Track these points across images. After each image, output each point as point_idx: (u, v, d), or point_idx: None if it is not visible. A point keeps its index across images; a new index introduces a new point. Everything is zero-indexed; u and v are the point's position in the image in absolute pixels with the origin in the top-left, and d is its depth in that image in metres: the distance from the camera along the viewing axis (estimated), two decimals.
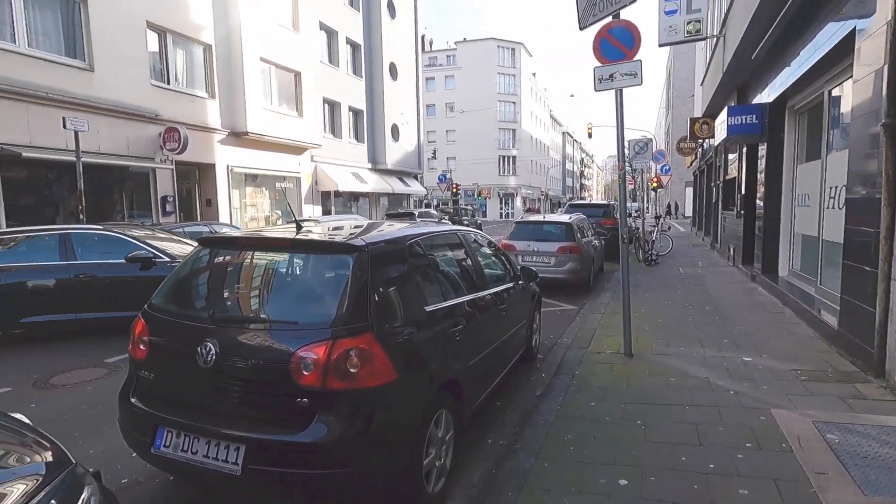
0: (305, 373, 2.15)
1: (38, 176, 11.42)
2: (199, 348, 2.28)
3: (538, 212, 52.12)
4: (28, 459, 1.34)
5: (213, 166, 15.59)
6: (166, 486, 2.89)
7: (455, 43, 57.98)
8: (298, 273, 2.64)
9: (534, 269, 5.31)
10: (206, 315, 2.43)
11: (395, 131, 26.11)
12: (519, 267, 4.93)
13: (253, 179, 17.67)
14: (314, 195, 20.59)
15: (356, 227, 3.44)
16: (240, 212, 16.98)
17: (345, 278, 2.38)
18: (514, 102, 57.36)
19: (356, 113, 23.90)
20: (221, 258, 2.79)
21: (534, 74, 66.23)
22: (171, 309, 2.59)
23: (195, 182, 15.82)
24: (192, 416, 2.30)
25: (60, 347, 5.97)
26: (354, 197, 24.19)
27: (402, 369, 2.38)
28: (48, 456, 1.37)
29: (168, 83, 14.12)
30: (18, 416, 1.71)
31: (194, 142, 13.91)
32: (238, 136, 16.26)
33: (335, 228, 3.34)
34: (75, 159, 9.94)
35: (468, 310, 3.25)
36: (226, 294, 2.70)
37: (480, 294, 3.57)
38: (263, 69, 16.87)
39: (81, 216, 10.24)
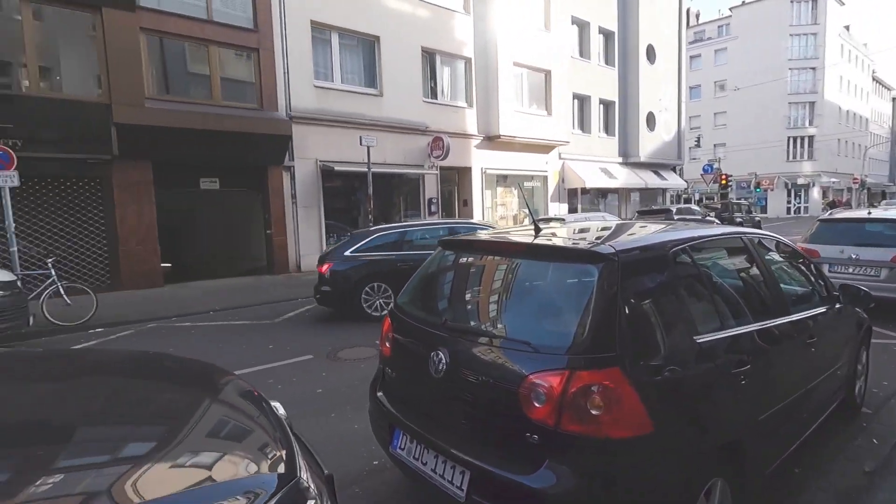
0: (536, 404, 1.82)
1: (346, 185, 14.39)
2: (431, 355, 2.20)
3: (847, 205, 40.07)
4: (259, 468, 1.31)
5: (469, 169, 16.98)
6: (406, 480, 3.01)
7: (730, 9, 49.37)
8: (534, 283, 2.32)
9: (857, 285, 3.77)
10: (438, 321, 2.34)
11: (650, 120, 23.75)
12: (832, 283, 3.55)
13: (503, 180, 18.54)
14: (560, 193, 20.40)
15: (603, 228, 2.94)
16: (491, 211, 18.05)
17: (587, 294, 1.94)
18: (812, 68, 45.41)
19: (607, 105, 22.66)
20: (458, 261, 2.71)
21: (846, 28, 51.21)
22: (410, 310, 2.62)
23: (454, 185, 17.53)
24: (425, 425, 2.24)
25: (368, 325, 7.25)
26: (602, 193, 23.04)
27: (662, 420, 1.81)
28: (281, 467, 1.34)
29: (436, 98, 15.97)
30: (276, 404, 1.84)
31: (454, 148, 15.37)
32: (491, 140, 17.29)
33: (580, 231, 2.92)
34: (367, 170, 12.09)
35: (758, 343, 2.39)
36: (458, 301, 2.60)
37: (776, 321, 2.62)
38: (516, 73, 17.47)
39: (370, 216, 12.42)
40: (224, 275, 12.96)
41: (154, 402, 1.63)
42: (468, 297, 2.56)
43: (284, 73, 12.49)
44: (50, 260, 8.00)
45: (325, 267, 7.93)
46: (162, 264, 20.27)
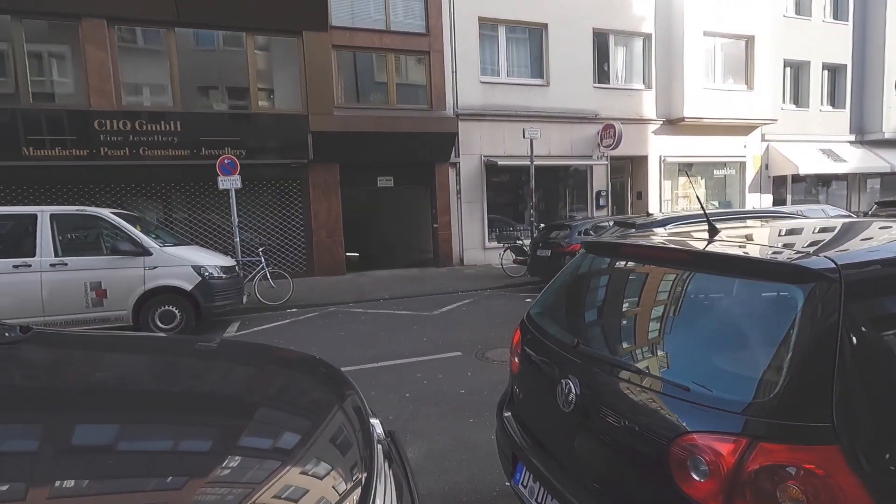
0: (695, 477, 1.32)
1: (510, 179, 14.27)
2: (560, 383, 1.83)
3: None
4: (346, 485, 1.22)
5: (645, 158, 15.34)
6: None
7: None
8: (705, 307, 1.72)
9: None
10: (570, 343, 1.94)
11: None
12: None
13: (687, 168, 16.31)
14: (762, 182, 17.12)
15: (822, 230, 2.14)
16: (671, 204, 16.07)
17: (785, 327, 1.34)
18: None
19: (834, 70, 18.20)
20: (603, 270, 2.24)
21: None
22: (542, 324, 2.25)
23: (627, 176, 16.04)
24: (550, 465, 1.87)
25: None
26: (823, 181, 18.67)
27: None
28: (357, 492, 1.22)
29: (608, 82, 14.75)
30: (375, 422, 1.69)
31: (628, 135, 14.01)
32: (673, 124, 15.33)
33: (786, 232, 2.18)
34: (529, 163, 11.75)
35: None
36: (598, 320, 2.12)
37: None
38: (707, 45, 15.13)
39: (532, 211, 12.08)
40: (396, 265, 14.02)
41: (308, 397, 1.73)
42: (610, 316, 2.08)
43: (452, 72, 12.86)
44: (261, 248, 9.57)
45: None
46: (349, 254, 22.87)
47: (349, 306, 9.23)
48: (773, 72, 16.33)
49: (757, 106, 15.93)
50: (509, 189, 14.30)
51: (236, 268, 8.11)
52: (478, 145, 13.26)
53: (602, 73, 14.70)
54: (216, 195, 10.84)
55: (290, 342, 6.63)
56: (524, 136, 11.33)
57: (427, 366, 5.31)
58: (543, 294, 2.46)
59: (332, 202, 12.02)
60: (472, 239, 13.42)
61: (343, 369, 6.05)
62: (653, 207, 15.46)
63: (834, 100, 18.37)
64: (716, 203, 16.80)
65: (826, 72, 18.05)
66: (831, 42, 17.83)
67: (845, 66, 18.16)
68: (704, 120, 15.17)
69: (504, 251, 11.43)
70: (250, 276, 9.35)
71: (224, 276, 7.55)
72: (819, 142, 17.72)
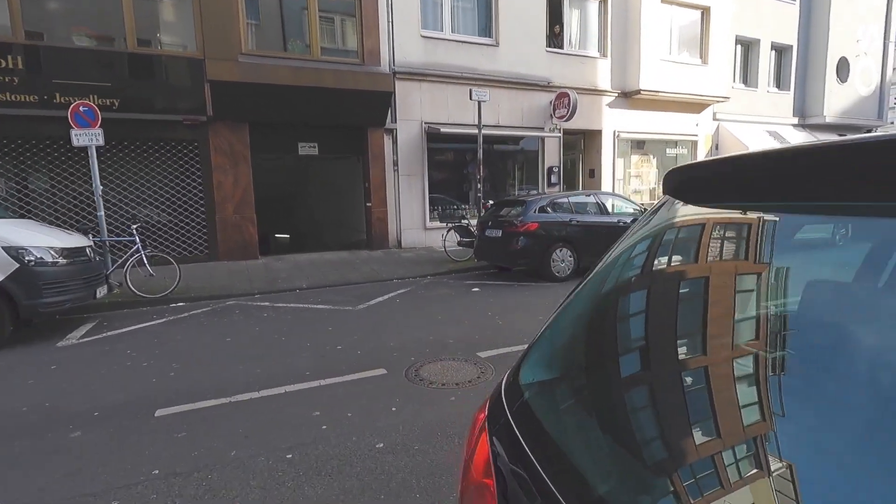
0: None
1: (454, 154, 12.64)
2: None
3: None
4: None
5: (598, 133, 14.25)
6: None
7: None
8: None
9: None
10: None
11: (842, 68, 18.43)
12: None
13: (639, 146, 15.43)
14: None
15: None
16: (623, 183, 15.16)
17: None
18: None
19: (780, 51, 17.95)
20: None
21: None
22: (551, 420, 0.71)
23: (579, 152, 14.93)
24: None
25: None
26: None
27: None
28: None
29: (561, 47, 13.42)
30: None
31: (582, 107, 12.79)
32: (628, 97, 14.31)
33: None
34: (477, 131, 10.20)
35: None
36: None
37: None
38: (663, 13, 14.13)
39: (479, 186, 10.58)
40: (322, 248, 12.13)
41: None
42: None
43: (389, 22, 10.97)
44: (135, 226, 7.42)
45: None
46: (279, 236, 20.54)
47: (254, 298, 7.37)
48: (725, 48, 15.69)
49: (711, 82, 15.24)
50: (453, 164, 12.71)
51: (89, 250, 6.01)
52: (418, 110, 11.54)
53: (555, 38, 13.34)
54: (82, 158, 8.48)
55: (150, 352, 4.75)
56: (471, 99, 9.73)
57: (333, 394, 3.67)
58: (543, 338, 0.91)
59: (239, 170, 9.91)
60: (412, 218, 11.77)
61: (199, 405, 3.87)
62: (605, 186, 14.48)
63: (780, 81, 18.18)
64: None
65: (774, 52, 17.75)
66: (780, 20, 17.51)
67: (791, 46, 17.95)
68: (660, 94, 14.26)
69: (447, 232, 9.89)
70: (120, 261, 7.22)
71: (63, 261, 5.46)
72: (765, 123, 17.48)
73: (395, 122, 11.32)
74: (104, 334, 5.55)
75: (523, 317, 5.84)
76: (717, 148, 16.61)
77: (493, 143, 12.67)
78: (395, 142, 11.41)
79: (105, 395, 3.76)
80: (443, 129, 11.38)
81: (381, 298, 7.06)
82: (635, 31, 13.85)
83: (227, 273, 8.91)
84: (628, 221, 8.40)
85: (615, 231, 8.32)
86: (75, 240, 6.04)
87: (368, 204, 11.46)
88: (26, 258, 5.12)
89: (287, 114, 10.00)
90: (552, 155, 13.50)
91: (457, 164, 12.73)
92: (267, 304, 6.96)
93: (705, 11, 15.01)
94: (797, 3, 17.79)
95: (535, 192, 9.17)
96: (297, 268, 9.49)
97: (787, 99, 18.22)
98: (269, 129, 10.29)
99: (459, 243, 9.96)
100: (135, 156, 9.22)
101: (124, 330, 5.70)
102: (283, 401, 3.58)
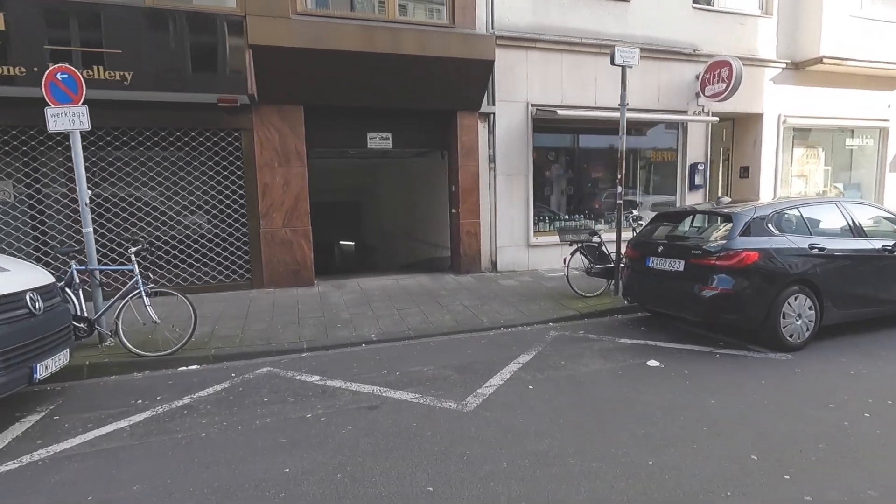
0: None
1: (555, 145, 9.61)
2: None
3: None
4: None
5: (757, 118, 10.63)
6: None
7: None
8: None
9: None
10: None
11: None
12: None
13: (803, 136, 11.58)
14: None
15: None
16: (782, 185, 11.39)
17: None
18: None
19: None
20: None
21: None
22: None
23: (728, 143, 11.35)
24: None
25: None
26: None
27: None
28: None
29: (710, 3, 10.00)
30: None
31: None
32: (799, 69, 10.59)
33: None
34: (620, 111, 7.12)
35: None
36: None
37: None
38: None
39: (620, 189, 7.51)
40: (395, 269, 9.57)
41: None
42: None
43: None
44: (133, 250, 5.08)
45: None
46: (344, 243, 18.43)
47: (300, 361, 4.82)
48: None
49: None
50: (566, 161, 9.63)
51: (31, 297, 3.65)
52: (523, 87, 8.64)
53: None
54: (87, 154, 6.37)
55: None
56: (613, 62, 6.65)
57: None
58: None
59: (292, 169, 7.49)
60: (511, 232, 8.88)
61: None
62: (764, 189, 10.82)
63: None
64: (840, 186, 12.10)
65: None
66: None
67: None
68: (848, 63, 10.41)
69: (572, 254, 6.89)
70: (113, 299, 4.91)
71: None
72: None
73: (494, 103, 8.49)
74: (34, 455, 3.10)
75: (808, 457, 2.77)
76: None
77: (610, 132, 9.53)
78: (492, 130, 8.58)
79: None
80: (560, 112, 8.39)
81: (496, 381, 4.19)
82: None
83: (271, 309, 6.45)
84: (891, 247, 5.05)
85: (881, 265, 4.98)
86: (37, 277, 3.73)
87: (454, 210, 8.71)
88: None
89: (354, 93, 7.46)
90: (697, 147, 10.09)
91: (572, 160, 9.68)
92: (317, 378, 4.33)
93: None
94: None
95: (724, 198, 5.98)
96: (364, 300, 6.89)
97: None
98: (331, 115, 7.82)
99: (589, 271, 6.93)
100: (153, 149, 7.02)
101: (70, 444, 3.25)
102: None
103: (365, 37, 7.00)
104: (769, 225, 4.82)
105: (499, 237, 8.81)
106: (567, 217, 9.48)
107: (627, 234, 7.17)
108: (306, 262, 7.67)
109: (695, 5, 9.73)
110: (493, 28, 8.26)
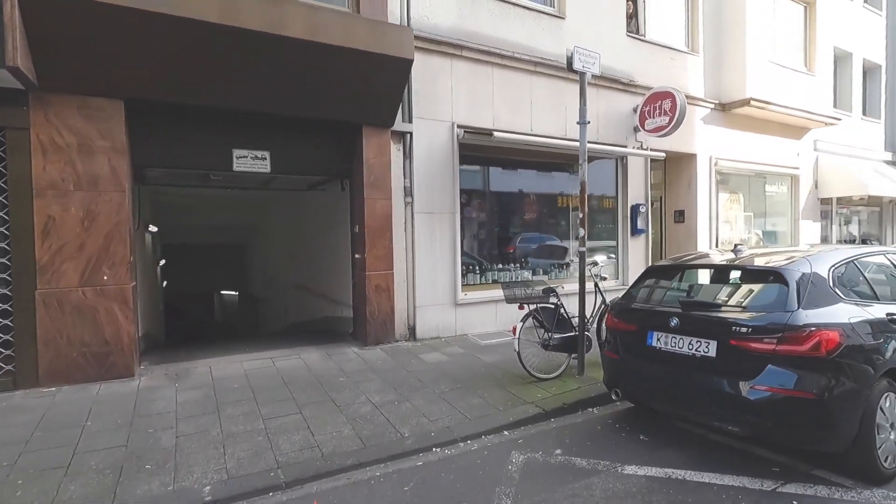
0: None
1: (499, 173, 7.90)
2: None
3: None
4: None
5: (691, 158, 9.89)
6: None
7: None
8: None
9: None
10: None
11: None
12: None
13: (725, 181, 11.14)
14: (813, 204, 12.54)
15: None
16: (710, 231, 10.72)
17: None
18: None
19: (868, 72, 14.49)
20: None
21: None
22: None
23: (661, 185, 10.48)
24: None
25: None
26: (852, 209, 14.65)
27: None
28: None
29: (641, 33, 9.21)
30: None
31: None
32: (725, 111, 10.16)
33: None
34: (578, 130, 5.52)
35: None
36: None
37: None
38: (765, 4, 10.26)
39: (583, 231, 5.83)
40: (274, 340, 7.02)
41: None
42: None
43: None
44: None
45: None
46: (226, 292, 15.18)
47: None
48: (825, 59, 11.95)
49: (819, 97, 11.36)
50: (493, 195, 7.90)
51: None
52: (447, 104, 6.84)
53: (628, 19, 9.09)
54: None
55: None
56: (571, 67, 5.08)
57: None
58: None
59: (101, 196, 4.81)
60: (434, 287, 6.80)
61: None
62: (702, 235, 9.99)
63: (867, 108, 14.61)
64: (759, 233, 11.83)
65: (863, 72, 14.26)
66: (869, 34, 14.14)
67: (880, 66, 14.55)
68: (771, 108, 10.15)
69: (524, 321, 4.95)
70: None
71: None
72: (861, 158, 13.68)
73: (410, 120, 6.56)
74: None
75: None
76: (816, 186, 12.58)
77: (538, 168, 8.10)
78: (408, 154, 6.60)
79: None
80: (497, 135, 6.66)
81: None
82: (737, 19, 9.87)
83: (28, 435, 3.61)
84: None
85: None
86: None
87: (358, 256, 6.48)
88: None
89: (211, 88, 5.09)
90: (637, 187, 8.96)
91: (503, 197, 7.98)
92: None
93: (808, 7, 11.33)
94: (884, 13, 14.55)
95: (742, 245, 4.41)
96: (212, 403, 4.28)
97: (878, 130, 14.62)
98: (175, 119, 5.34)
99: (547, 344, 5.03)
100: None
101: None
102: None
103: (226, 3, 4.73)
104: (834, 286, 3.25)
105: (418, 294, 6.68)
106: (500, 266, 7.66)
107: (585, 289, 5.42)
108: (121, 340, 4.87)
109: (629, 33, 8.84)
110: (409, 24, 6.43)
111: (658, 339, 3.60)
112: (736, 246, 4.00)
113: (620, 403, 4.50)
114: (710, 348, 3.28)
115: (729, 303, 3.45)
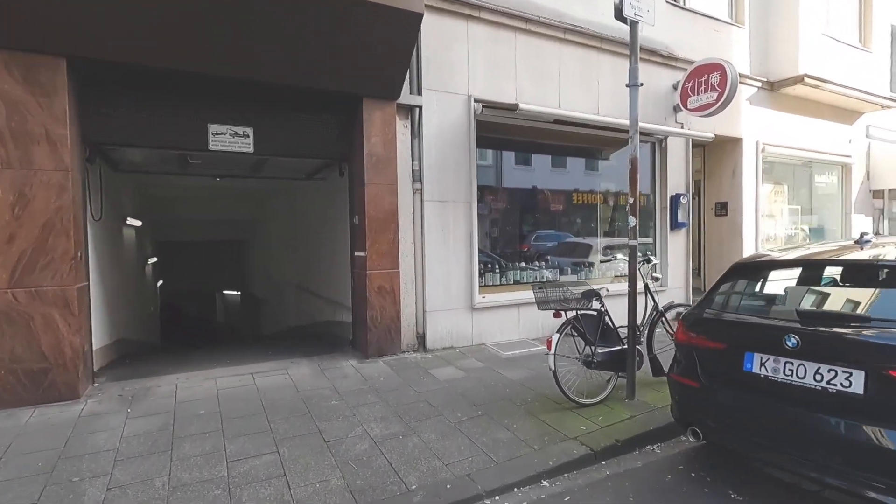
0: None
1: (522, 156, 6.91)
2: None
3: None
4: None
5: (737, 143, 8.78)
6: None
7: None
8: None
9: None
10: None
11: None
12: None
13: (769, 171, 9.97)
14: (864, 197, 11.34)
15: None
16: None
17: None
18: None
19: None
20: None
21: None
22: None
23: (700, 173, 9.38)
24: None
25: None
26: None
27: None
28: None
29: (682, 1, 8.13)
30: None
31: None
32: (774, 90, 9.02)
33: None
34: (629, 106, 4.49)
35: None
36: None
37: None
38: None
39: (634, 220, 4.82)
40: (257, 353, 6.12)
41: None
42: None
43: None
44: None
45: None
46: (229, 292, 14.52)
47: None
48: (882, 36, 10.75)
49: (875, 77, 10.17)
50: (515, 182, 6.88)
51: None
52: (463, 75, 5.85)
53: None
54: None
55: None
56: (620, 15, 4.07)
57: None
58: None
59: (36, 175, 3.90)
60: (448, 288, 5.81)
61: None
62: (747, 232, 8.87)
63: None
64: (806, 229, 10.66)
65: None
66: None
67: None
68: (826, 86, 8.99)
69: (562, 333, 3.95)
70: None
71: None
72: None
73: (420, 92, 5.57)
74: None
75: None
76: (868, 177, 11.37)
77: (564, 153, 7.10)
78: (416, 133, 5.61)
79: None
80: (523, 106, 5.65)
81: None
82: None
83: None
84: None
85: None
86: None
87: (360, 254, 5.51)
88: None
89: (179, 45, 4.15)
90: (677, 173, 7.88)
91: (526, 184, 6.96)
92: None
93: None
94: None
95: (868, 234, 3.45)
96: (167, 434, 3.33)
97: None
98: (135, 83, 4.42)
99: (590, 362, 4.01)
100: None
101: None
102: None
103: None
104: None
105: (428, 296, 5.69)
106: (524, 265, 6.64)
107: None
108: (63, 354, 3.95)
109: (670, 1, 7.77)
110: None
111: (763, 365, 2.58)
112: (862, 236, 2.94)
113: (687, 440, 3.48)
114: (853, 381, 2.25)
115: (879, 316, 2.40)
